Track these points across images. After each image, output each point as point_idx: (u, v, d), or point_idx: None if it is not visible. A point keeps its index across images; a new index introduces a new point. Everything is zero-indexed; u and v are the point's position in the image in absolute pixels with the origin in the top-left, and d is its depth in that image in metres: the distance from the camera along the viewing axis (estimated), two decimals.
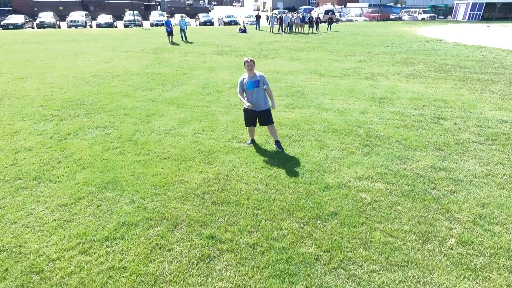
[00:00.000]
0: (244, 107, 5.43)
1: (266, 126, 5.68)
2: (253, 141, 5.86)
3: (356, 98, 8.70)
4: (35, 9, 39.13)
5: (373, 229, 3.72)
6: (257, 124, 5.56)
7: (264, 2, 74.93)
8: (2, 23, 29.98)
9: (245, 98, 5.32)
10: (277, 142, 5.61)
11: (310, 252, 3.39)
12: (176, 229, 3.71)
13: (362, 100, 8.53)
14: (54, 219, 3.86)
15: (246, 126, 5.68)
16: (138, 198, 4.28)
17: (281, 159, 5.30)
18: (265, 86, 5.29)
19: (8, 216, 3.92)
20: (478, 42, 20.52)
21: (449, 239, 3.58)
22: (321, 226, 3.78)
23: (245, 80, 5.22)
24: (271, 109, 5.45)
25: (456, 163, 5.22)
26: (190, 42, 20.42)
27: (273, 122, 5.52)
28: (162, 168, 5.03)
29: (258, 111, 5.35)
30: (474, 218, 3.92)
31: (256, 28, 29.92)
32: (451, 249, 3.45)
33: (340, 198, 4.28)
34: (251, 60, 5.13)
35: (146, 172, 4.93)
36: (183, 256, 3.33)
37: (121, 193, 4.39)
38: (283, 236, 3.62)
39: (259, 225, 3.78)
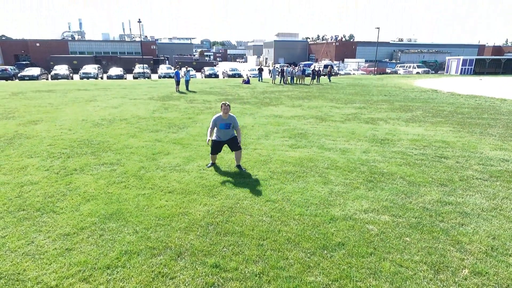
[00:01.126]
0: (213, 139, 6.30)
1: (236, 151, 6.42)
2: (213, 164, 6.57)
3: (358, 139, 8.88)
4: (51, 63, 41.62)
5: (382, 259, 3.60)
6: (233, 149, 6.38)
7: (266, 58, 79.52)
8: (19, 74, 31.75)
9: (214, 133, 6.25)
10: (239, 166, 6.40)
11: (318, 281, 3.26)
12: (179, 258, 3.61)
13: (363, 141, 8.69)
14: (55, 248, 3.78)
15: (210, 154, 6.47)
16: (141, 228, 4.22)
17: (286, 193, 5.29)
18: (235, 128, 6.25)
19: (8, 244, 3.85)
20: (472, 92, 21.33)
21: (462, 269, 3.45)
22: (328, 256, 3.67)
23: (218, 121, 6.12)
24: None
25: (462, 198, 5.18)
26: (194, 91, 21.34)
27: (240, 148, 6.34)
28: (166, 201, 5.01)
29: (225, 140, 6.29)
30: (486, 249, 3.81)
31: (259, 80, 31.40)
32: (465, 279, 3.31)
33: (347, 229, 4.20)
34: (228, 104, 6.10)
35: (150, 204, 4.91)
36: (187, 284, 3.21)
37: (124, 223, 4.34)
38: (290, 265, 3.50)
39: (264, 255, 3.68)
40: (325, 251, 3.75)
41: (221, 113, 6.11)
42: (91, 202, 4.98)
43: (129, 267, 3.44)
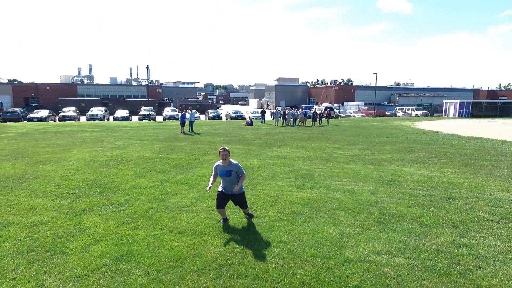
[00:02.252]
0: (218, 190, 5.74)
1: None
2: (225, 220, 5.81)
3: (364, 180, 8.92)
4: (60, 105, 42.90)
5: None
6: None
7: (268, 101, 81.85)
8: (28, 116, 32.63)
9: (214, 181, 5.72)
10: (248, 214, 6.00)
11: None
12: None
13: (370, 182, 8.73)
14: None
15: (216, 207, 5.73)
16: (153, 270, 4.15)
17: (297, 235, 5.25)
18: (239, 174, 5.57)
19: (18, 286, 3.78)
20: (472, 134, 21.67)
21: None
22: None
23: (219, 167, 5.62)
24: (241, 193, 5.72)
25: (476, 240, 5.12)
26: (198, 133, 21.76)
27: (247, 207, 5.85)
28: (177, 242, 4.97)
29: (230, 194, 5.66)
30: None
31: (262, 122, 32.09)
32: None
33: (362, 272, 4.12)
34: (225, 149, 5.51)
35: (161, 245, 4.86)
36: None
37: (135, 265, 4.28)
38: None
39: None
40: None
41: (220, 160, 5.64)
42: (101, 243, 4.94)
43: None
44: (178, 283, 3.86)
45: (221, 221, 5.78)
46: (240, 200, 5.70)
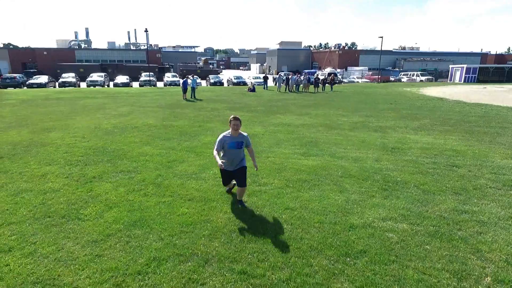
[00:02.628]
0: (220, 166, 4.79)
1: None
2: (230, 190, 5.67)
3: (368, 148, 8.98)
4: (58, 71, 42.17)
5: (404, 267, 3.69)
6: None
7: (270, 66, 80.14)
8: (27, 82, 32.21)
9: (220, 156, 4.98)
10: (240, 202, 5.27)
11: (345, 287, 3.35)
12: (207, 265, 3.71)
13: (374, 149, 8.79)
14: (85, 254, 3.89)
15: (222, 184, 5.46)
16: (166, 235, 4.33)
17: (303, 201, 5.40)
18: (249, 147, 5.10)
19: (40, 250, 3.97)
20: (478, 101, 21.42)
21: (485, 277, 3.53)
22: (351, 263, 3.76)
23: (227, 139, 4.86)
24: (253, 170, 5.22)
25: (478, 206, 5.26)
26: (201, 100, 21.57)
27: (245, 185, 5.12)
28: (187, 209, 5.13)
29: (232, 170, 5.04)
30: (506, 257, 3.88)
31: (264, 88, 31.66)
32: (489, 287, 3.38)
33: (367, 237, 4.29)
34: (237, 118, 4.82)
35: (172, 212, 5.02)
36: None
37: (149, 230, 4.45)
38: (315, 272, 3.59)
39: (289, 262, 3.77)
40: (348, 259, 3.84)
41: (229, 131, 4.90)
42: (114, 209, 5.11)
43: (160, 273, 3.55)
44: (191, 247, 4.04)
45: (228, 190, 5.73)
46: (242, 175, 5.03)
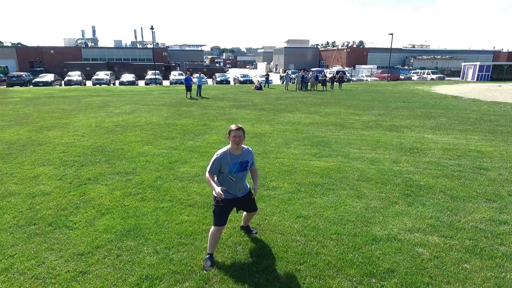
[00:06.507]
0: (215, 195, 3.32)
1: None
2: (211, 257, 3.55)
3: (384, 148, 8.35)
4: (65, 69, 42.10)
5: None
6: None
7: (276, 65, 79.38)
8: (33, 81, 32.12)
9: (216, 180, 3.51)
10: (247, 228, 4.19)
11: None
12: (207, 285, 3.16)
13: (390, 150, 8.16)
14: (68, 270, 3.38)
15: (214, 225, 3.52)
16: (162, 248, 3.79)
17: (317, 208, 4.82)
18: (253, 166, 3.72)
19: (17, 265, 3.46)
20: (494, 99, 20.53)
21: None
22: (378, 285, 3.18)
23: (227, 159, 3.39)
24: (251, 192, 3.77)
25: None
26: (207, 98, 21.06)
27: (257, 209, 3.91)
28: (188, 216, 4.59)
29: (233, 199, 3.58)
30: None
31: (265, 86, 31.00)
32: None
33: (394, 253, 3.70)
34: (240, 128, 3.35)
35: (170, 219, 4.49)
36: None
37: (143, 242, 3.92)
38: None
39: (304, 283, 3.20)
40: (374, 280, 3.26)
41: (228, 147, 3.44)
42: (107, 216, 4.59)
43: None
44: (190, 263, 3.49)
45: (208, 263, 3.47)
46: (251, 199, 3.74)
